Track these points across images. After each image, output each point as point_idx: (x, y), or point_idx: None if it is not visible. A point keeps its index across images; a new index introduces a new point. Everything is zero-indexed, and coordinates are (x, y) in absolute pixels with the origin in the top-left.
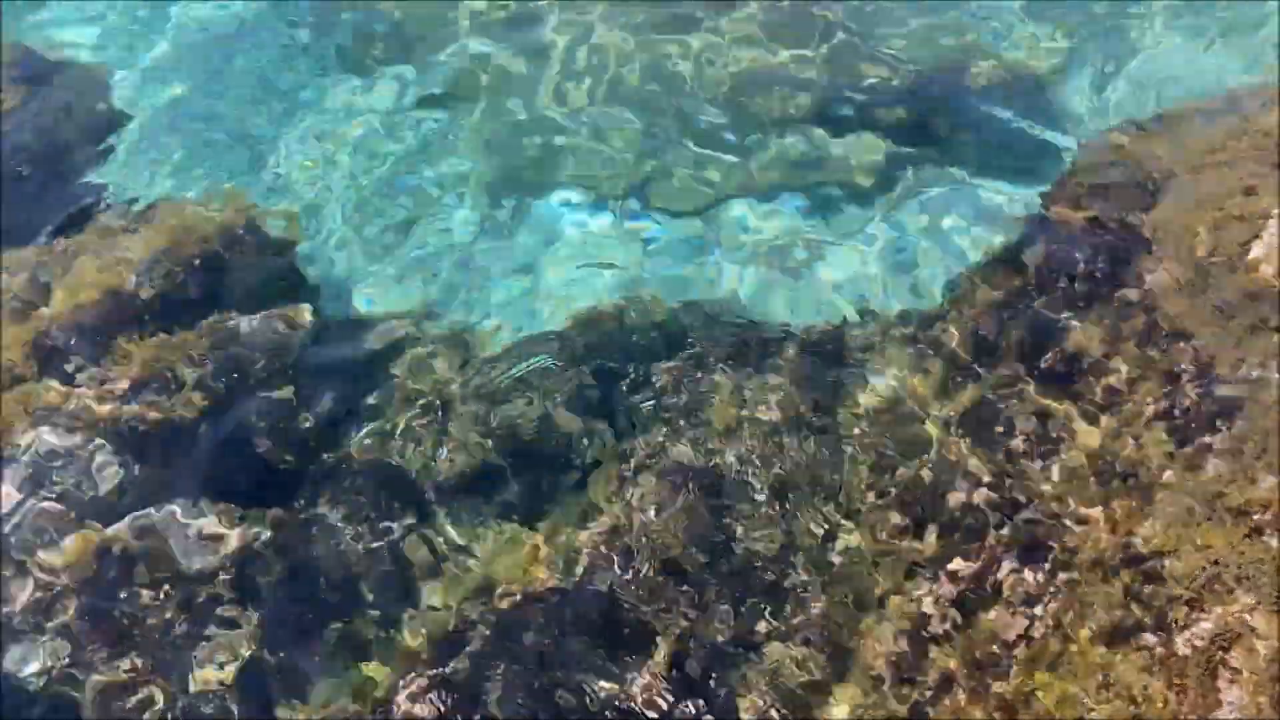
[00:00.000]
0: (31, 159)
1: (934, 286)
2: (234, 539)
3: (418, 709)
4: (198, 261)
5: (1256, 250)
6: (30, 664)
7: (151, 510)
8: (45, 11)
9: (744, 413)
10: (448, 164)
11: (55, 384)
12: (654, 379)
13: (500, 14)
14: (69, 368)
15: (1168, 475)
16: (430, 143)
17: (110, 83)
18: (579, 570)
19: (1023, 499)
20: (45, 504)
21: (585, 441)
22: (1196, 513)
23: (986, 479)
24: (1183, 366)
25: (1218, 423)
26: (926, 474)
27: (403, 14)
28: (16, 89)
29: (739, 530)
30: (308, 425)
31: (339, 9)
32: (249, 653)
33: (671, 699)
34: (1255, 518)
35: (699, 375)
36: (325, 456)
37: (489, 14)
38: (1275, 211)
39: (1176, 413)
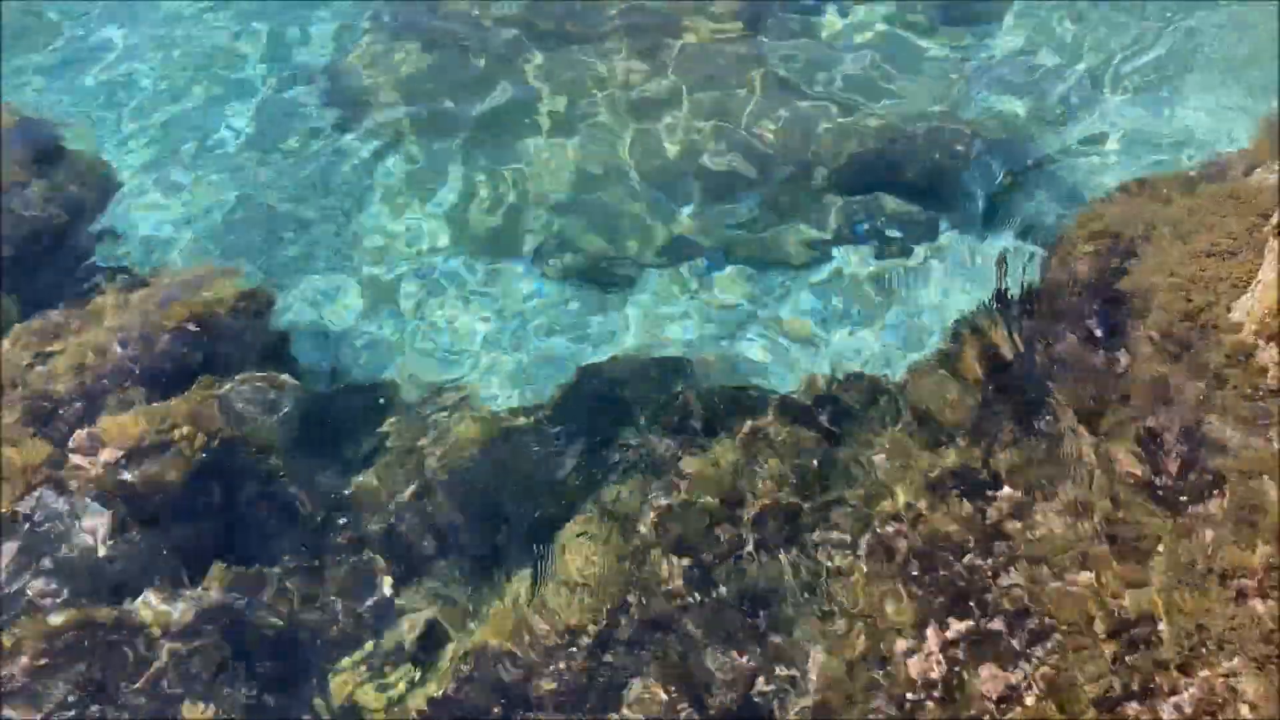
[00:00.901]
0: (30, 230)
1: (917, 351)
2: (214, 598)
3: None
4: (189, 330)
5: (1237, 313)
6: None
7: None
8: (42, 83)
9: (731, 475)
10: (441, 231)
11: (50, 450)
12: (644, 438)
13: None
14: (64, 434)
15: (1156, 540)
16: (424, 209)
17: (106, 156)
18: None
19: (1009, 564)
20: (38, 569)
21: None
22: (1185, 579)
23: (971, 543)
24: (1168, 430)
25: (1205, 489)
26: (913, 536)
27: (384, 84)
28: (16, 161)
29: (723, 586)
30: (292, 488)
31: (335, 87)
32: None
33: None
34: (1242, 582)
35: (685, 435)
36: (311, 518)
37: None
38: (1257, 276)
39: (1162, 478)
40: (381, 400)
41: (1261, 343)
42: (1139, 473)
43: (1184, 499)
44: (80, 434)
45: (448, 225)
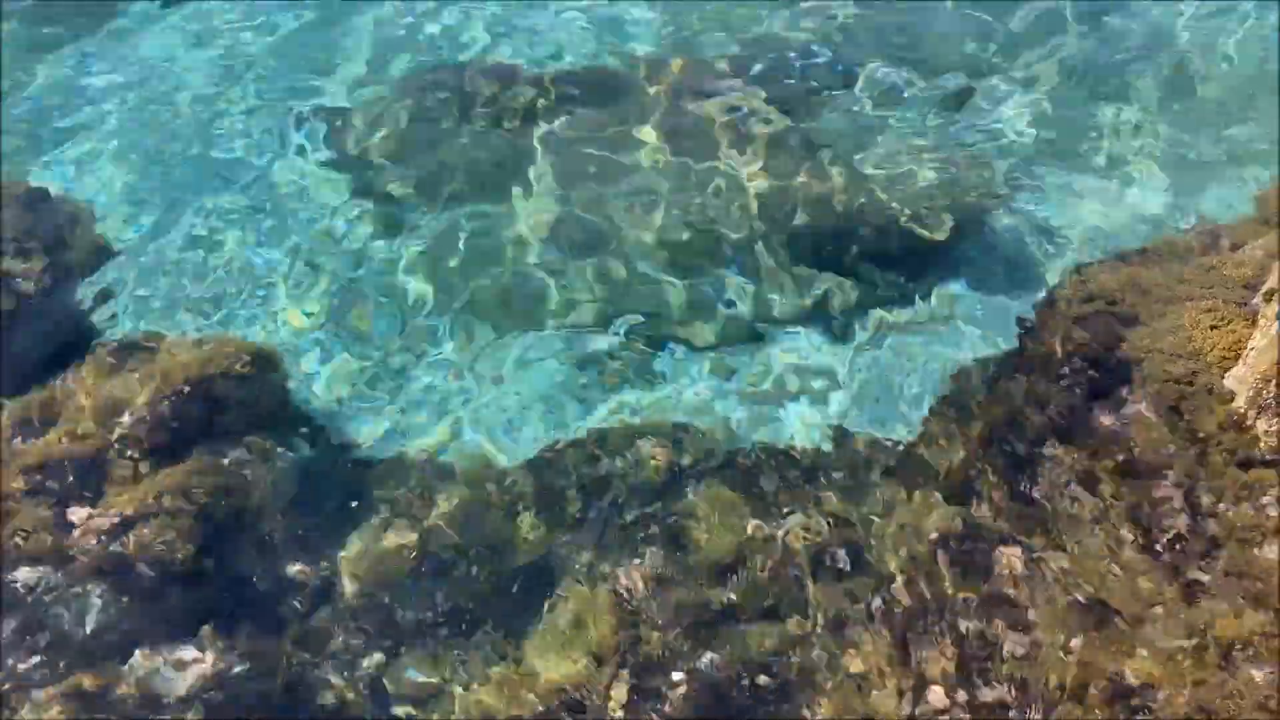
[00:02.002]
0: (23, 295)
1: (915, 416)
2: (209, 667)
3: None
4: (189, 396)
5: (1230, 381)
6: None
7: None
8: (41, 149)
9: (731, 538)
10: (432, 297)
11: (48, 520)
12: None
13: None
14: (62, 504)
15: (1155, 609)
16: (416, 276)
17: (103, 219)
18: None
19: (1008, 631)
20: (32, 642)
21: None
22: (1183, 646)
23: (970, 608)
24: (1164, 496)
25: (1202, 555)
26: (909, 600)
27: (397, 149)
28: (15, 226)
29: (718, 653)
30: (287, 554)
31: (335, 152)
32: None
33: None
34: (1239, 650)
35: (683, 498)
36: (312, 586)
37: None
38: (1249, 345)
39: (1159, 546)
40: (377, 463)
41: (1254, 411)
42: (1136, 538)
43: (1181, 565)
44: (76, 506)
45: (439, 287)
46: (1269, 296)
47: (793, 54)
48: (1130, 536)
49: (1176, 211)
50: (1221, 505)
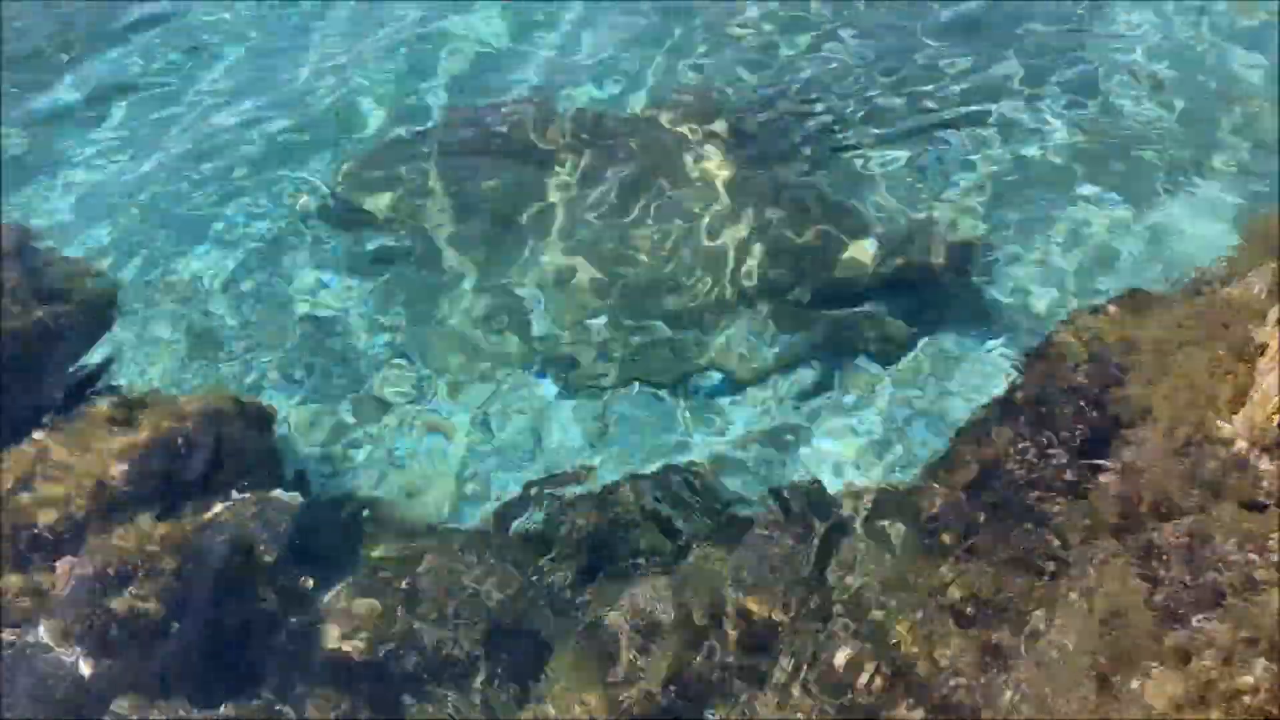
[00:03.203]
0: (19, 347)
1: (907, 463)
2: None
3: None
4: (179, 450)
5: (1233, 425)
6: None
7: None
8: (39, 192)
9: (725, 589)
10: (428, 348)
11: (34, 576)
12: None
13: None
14: (49, 559)
15: (1158, 659)
16: (409, 334)
17: (98, 271)
18: None
19: (1004, 686)
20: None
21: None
22: (1189, 697)
23: (973, 664)
24: (1168, 544)
25: (1207, 603)
26: (911, 651)
27: (391, 208)
28: (8, 276)
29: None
30: (281, 609)
31: (339, 212)
32: None
33: None
34: (1246, 702)
35: (682, 548)
36: (301, 641)
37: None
38: (1252, 388)
39: (1161, 595)
40: (369, 516)
41: (1258, 453)
42: (1137, 587)
43: (1184, 614)
44: (62, 562)
45: (443, 340)
46: (1262, 349)
47: (790, 98)
48: (1131, 585)
49: (1171, 252)
50: (1226, 552)
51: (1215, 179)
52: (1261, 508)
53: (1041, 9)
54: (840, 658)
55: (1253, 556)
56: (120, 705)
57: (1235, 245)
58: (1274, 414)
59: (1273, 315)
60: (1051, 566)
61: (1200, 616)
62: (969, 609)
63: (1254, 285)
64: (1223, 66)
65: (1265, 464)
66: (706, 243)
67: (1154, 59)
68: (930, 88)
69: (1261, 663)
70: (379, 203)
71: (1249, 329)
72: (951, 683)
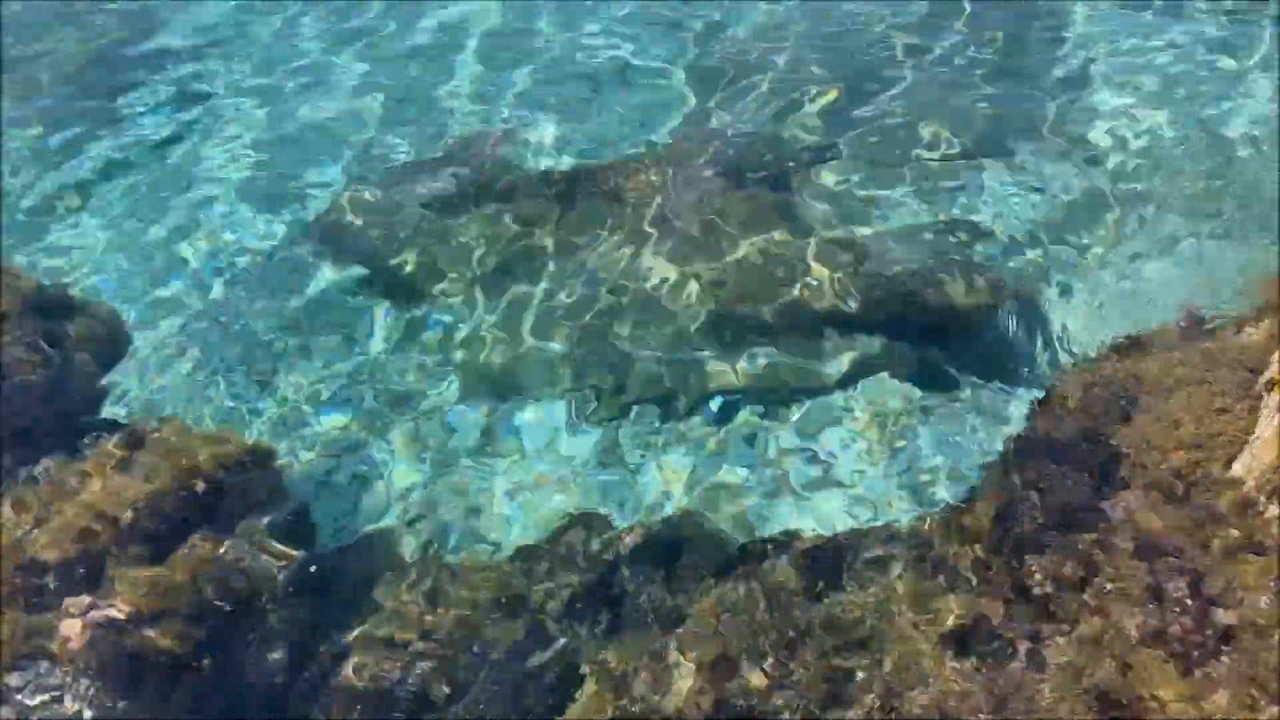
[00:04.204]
0: (26, 383)
1: (914, 503)
2: None
3: None
4: (195, 489)
5: (1237, 468)
6: None
7: None
8: (44, 229)
9: (736, 629)
10: (437, 385)
11: (45, 616)
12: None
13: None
14: (59, 599)
15: (1165, 704)
16: (416, 371)
17: (106, 310)
18: None
19: None
20: None
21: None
22: None
23: (983, 706)
24: (1174, 587)
25: (1214, 647)
26: (912, 686)
27: (414, 258)
28: (17, 314)
29: None
30: (291, 649)
31: (355, 251)
32: None
33: None
34: None
35: (688, 587)
36: (312, 680)
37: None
38: (1254, 433)
39: (1168, 638)
40: (379, 554)
41: (1263, 498)
42: (1144, 632)
43: (1191, 657)
44: (73, 602)
45: (458, 372)
46: (1270, 386)
47: (786, 135)
48: (1138, 630)
49: (1174, 299)
50: (1233, 595)
51: (1221, 222)
52: (1268, 550)
53: (1041, 54)
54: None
55: (1263, 601)
56: None
57: (1241, 287)
58: (1275, 461)
59: (1275, 361)
60: (1056, 605)
61: (1209, 661)
62: (972, 645)
63: (1259, 328)
64: (1228, 110)
65: (1271, 508)
66: (711, 276)
67: (1158, 104)
68: (937, 126)
69: (1275, 710)
70: (375, 239)
71: (1253, 372)
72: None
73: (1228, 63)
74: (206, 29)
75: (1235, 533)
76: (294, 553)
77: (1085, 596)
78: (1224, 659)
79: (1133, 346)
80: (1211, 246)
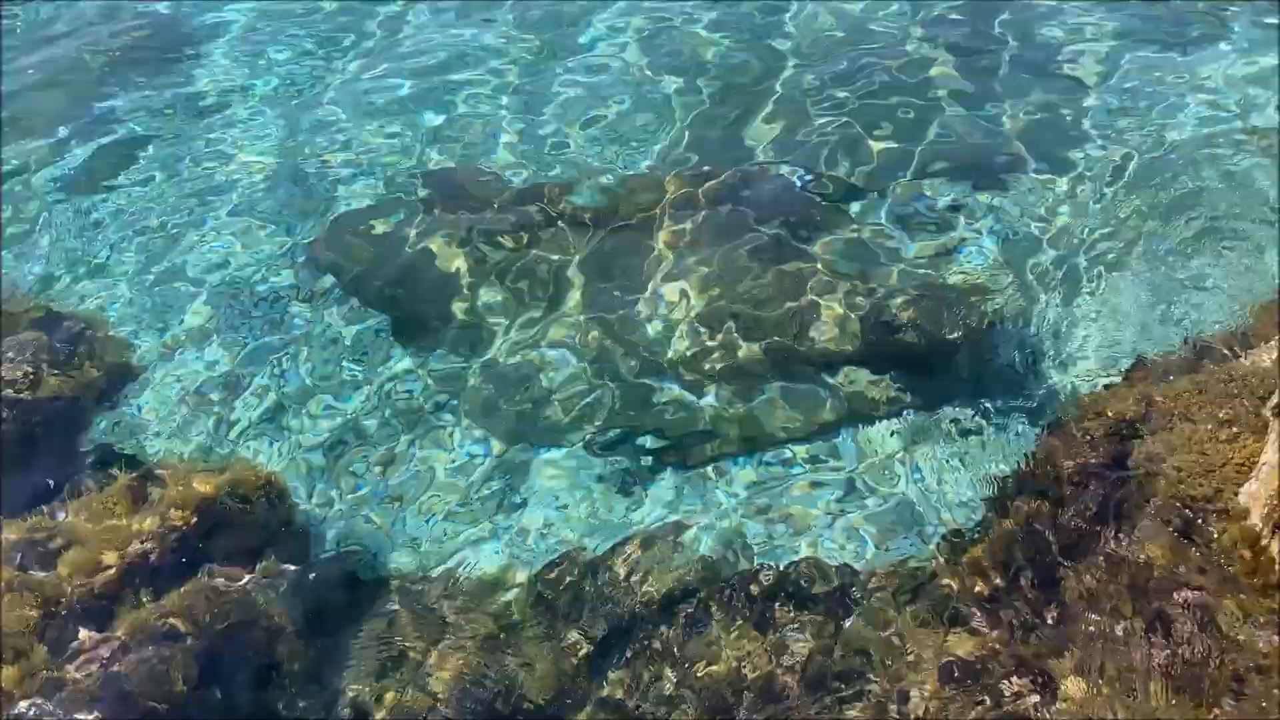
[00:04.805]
0: (36, 414)
1: (921, 537)
2: None
3: None
4: (198, 521)
5: (1243, 498)
6: None
7: None
8: (58, 268)
9: (745, 667)
10: (447, 418)
11: (56, 649)
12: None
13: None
14: (67, 633)
15: None
16: (431, 405)
17: (117, 342)
18: None
19: None
20: None
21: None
22: None
23: None
24: (1183, 625)
25: (1224, 685)
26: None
27: (405, 294)
28: (29, 345)
29: None
30: (303, 686)
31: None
32: None
33: None
34: None
35: (698, 625)
36: (317, 711)
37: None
38: (1260, 460)
39: (1177, 673)
40: (391, 588)
41: (1269, 530)
42: (1153, 667)
43: (1203, 694)
44: (80, 635)
45: (468, 407)
46: (1276, 412)
47: (794, 171)
48: (1148, 665)
49: (1186, 322)
50: (1243, 632)
51: (1228, 249)
52: (1273, 584)
53: (1044, 80)
54: None
55: (1274, 637)
56: None
57: (1249, 314)
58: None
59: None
60: (1063, 638)
61: (1221, 698)
62: (978, 680)
63: (1266, 356)
64: (1228, 122)
65: (1276, 542)
66: (706, 309)
67: (1166, 129)
68: (942, 159)
69: None
70: (393, 271)
71: (1261, 400)
72: None
73: (1223, 74)
74: (220, 40)
75: (1244, 568)
76: (302, 584)
77: (1091, 629)
78: (1234, 695)
79: (1139, 373)
80: (1215, 269)
